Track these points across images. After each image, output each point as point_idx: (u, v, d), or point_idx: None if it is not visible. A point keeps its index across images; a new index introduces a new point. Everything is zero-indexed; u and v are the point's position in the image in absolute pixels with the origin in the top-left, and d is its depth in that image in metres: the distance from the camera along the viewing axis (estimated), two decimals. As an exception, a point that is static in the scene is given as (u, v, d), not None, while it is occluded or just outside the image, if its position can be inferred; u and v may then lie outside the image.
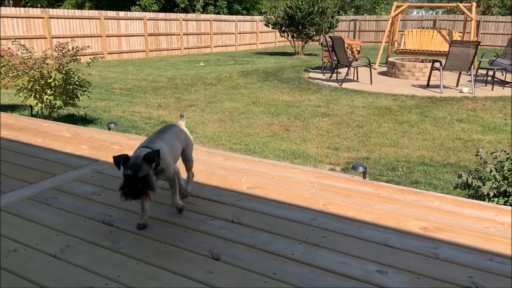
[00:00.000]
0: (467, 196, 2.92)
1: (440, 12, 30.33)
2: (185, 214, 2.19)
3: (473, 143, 5.51)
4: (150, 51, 18.10)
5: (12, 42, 5.30)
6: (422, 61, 11.54)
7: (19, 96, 5.09)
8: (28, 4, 19.40)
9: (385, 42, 13.94)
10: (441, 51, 12.29)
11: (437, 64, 9.40)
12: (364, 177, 3.24)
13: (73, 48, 5.14)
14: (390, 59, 12.16)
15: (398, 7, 13.98)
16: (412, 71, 10.85)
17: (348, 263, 1.72)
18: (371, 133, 5.99)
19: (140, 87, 9.77)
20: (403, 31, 14.51)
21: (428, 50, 12.86)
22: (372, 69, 10.50)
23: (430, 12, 34.14)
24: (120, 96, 8.57)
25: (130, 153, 3.16)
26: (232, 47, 22.92)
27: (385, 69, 12.36)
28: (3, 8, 13.44)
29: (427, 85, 9.59)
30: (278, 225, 2.05)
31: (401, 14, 15.06)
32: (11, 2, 17.56)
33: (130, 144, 3.39)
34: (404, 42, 13.44)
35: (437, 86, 9.21)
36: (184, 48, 19.88)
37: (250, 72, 12.24)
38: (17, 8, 14.04)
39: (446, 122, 6.59)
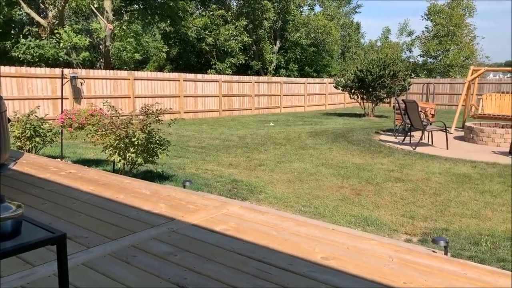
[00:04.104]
0: None
1: (520, 75, 28.96)
2: (259, 282, 2.15)
3: None
4: (223, 110, 18.92)
5: (104, 103, 5.83)
6: (502, 127, 10.93)
7: (105, 152, 5.49)
8: (116, 67, 21.36)
9: (462, 106, 13.46)
10: (524, 116, 11.61)
11: (521, 130, 8.86)
12: (446, 253, 3.03)
13: (156, 110, 5.53)
14: (467, 123, 11.66)
15: (475, 71, 13.60)
16: (491, 136, 10.28)
17: None
18: (450, 202, 5.64)
19: (213, 145, 10.13)
20: (480, 95, 13.99)
21: (509, 115, 12.20)
22: (448, 134, 10.11)
23: (508, 75, 32.75)
24: (194, 154, 8.93)
25: (204, 214, 3.24)
26: (301, 107, 23.34)
27: (461, 133, 11.85)
28: (96, 71, 14.89)
29: (510, 152, 9.00)
30: (355, 302, 1.96)
31: (478, 78, 14.60)
32: (102, 65, 19.46)
33: (204, 204, 3.47)
34: (482, 107, 12.90)
35: (522, 154, 8.61)
36: (255, 108, 20.56)
37: (319, 133, 12.28)
38: (107, 71, 15.49)
39: (534, 194, 6.06)
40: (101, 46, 19.39)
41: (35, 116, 6.76)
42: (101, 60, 19.96)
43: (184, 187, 4.75)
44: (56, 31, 17.08)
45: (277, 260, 2.42)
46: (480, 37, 51.38)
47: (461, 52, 36.09)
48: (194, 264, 2.35)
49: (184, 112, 17.19)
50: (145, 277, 2.21)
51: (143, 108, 5.55)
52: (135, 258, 2.44)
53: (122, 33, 18.97)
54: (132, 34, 20.30)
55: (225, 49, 26.09)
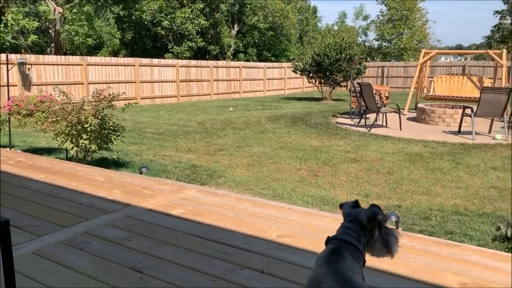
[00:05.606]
0: (506, 250, 2.79)
1: (469, 58, 30.26)
2: (214, 262, 2.17)
3: (509, 192, 5.31)
4: (181, 96, 18.65)
5: (54, 88, 5.60)
6: (452, 107, 11.41)
7: (57, 140, 5.30)
8: (68, 52, 20.52)
9: (414, 88, 13.92)
10: (471, 98, 12.16)
11: (468, 111, 9.27)
12: (397, 227, 3.16)
13: (109, 94, 5.37)
14: (420, 105, 12.09)
15: (426, 54, 14.06)
16: (442, 117, 10.72)
17: (383, 320, 1.65)
18: (402, 180, 5.87)
19: (171, 131, 10.00)
20: (432, 77, 14.50)
21: (458, 96, 12.74)
22: (401, 115, 10.44)
23: (459, 58, 34.13)
24: (151, 140, 8.78)
25: (160, 198, 3.21)
26: (260, 92, 23.36)
27: (414, 115, 12.27)
28: (46, 56, 14.25)
29: (459, 132, 9.42)
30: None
31: (430, 61, 15.13)
32: (52, 50, 18.61)
33: (161, 189, 3.44)
34: (434, 88, 13.39)
35: (469, 133, 9.03)
36: (214, 94, 20.40)
37: (278, 117, 12.37)
38: (58, 56, 14.86)
39: (479, 170, 6.40)
40: (50, 31, 18.51)
41: (-20, 103, 6.41)
42: (52, 45, 19.07)
43: (141, 173, 4.67)
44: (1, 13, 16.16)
45: (234, 240, 2.44)
46: (432, 21, 53.14)
47: (414, 36, 37.19)
48: (149, 248, 2.33)
49: (141, 98, 16.82)
50: (99, 263, 2.17)
51: (95, 93, 5.38)
52: (88, 244, 2.39)
53: (73, 17, 18.18)
54: (83, 17, 19.50)
55: (182, 32, 25.61)
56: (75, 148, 5.16)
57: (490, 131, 9.44)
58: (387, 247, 1.44)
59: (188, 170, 6.28)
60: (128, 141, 8.10)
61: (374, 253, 1.47)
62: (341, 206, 1.55)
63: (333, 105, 17.39)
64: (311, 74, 19.15)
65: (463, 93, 12.87)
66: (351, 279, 1.22)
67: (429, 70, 16.59)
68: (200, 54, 27.64)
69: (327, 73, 18.39)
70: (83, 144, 5.11)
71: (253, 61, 27.94)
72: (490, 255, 2.26)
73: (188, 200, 3.18)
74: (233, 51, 29.38)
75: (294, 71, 20.37)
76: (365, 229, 1.42)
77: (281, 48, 32.73)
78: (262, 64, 24.10)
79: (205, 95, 19.92)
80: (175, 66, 18.31)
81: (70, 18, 18.09)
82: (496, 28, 35.69)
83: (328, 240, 1.43)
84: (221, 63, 21.69)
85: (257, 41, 30.20)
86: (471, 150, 7.69)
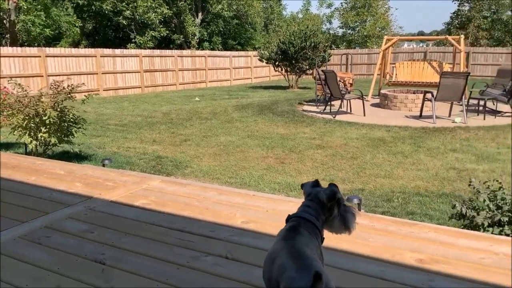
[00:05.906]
0: (462, 227, 2.91)
1: (430, 44, 31.06)
2: (178, 251, 2.16)
3: (467, 173, 5.53)
4: (145, 87, 18.31)
5: (8, 81, 5.38)
6: (414, 93, 11.72)
7: (14, 134, 5.11)
8: (26, 44, 19.72)
9: (377, 74, 14.20)
10: (432, 82, 12.53)
11: (429, 95, 9.55)
12: (359, 209, 3.24)
13: (68, 86, 5.21)
14: (383, 91, 12.35)
15: (388, 40, 14.34)
16: (404, 102, 11.00)
17: (343, 298, 1.70)
18: (366, 165, 6.00)
19: (135, 122, 9.82)
20: (395, 64, 14.83)
21: (419, 82, 13.10)
22: (365, 101, 10.64)
23: (421, 45, 34.98)
24: (115, 132, 8.60)
25: (123, 190, 3.16)
26: (227, 81, 23.23)
27: (377, 101, 12.53)
28: (1, 48, 13.64)
29: (420, 116, 9.70)
30: (272, 260, 2.03)
31: (392, 47, 15.46)
32: (8, 41, 17.84)
33: (124, 181, 3.38)
34: (396, 74, 13.70)
35: (430, 117, 9.32)
36: (180, 84, 20.13)
37: (245, 106, 12.36)
38: (14, 48, 14.26)
39: (439, 152, 6.62)
40: (5, 21, 17.70)
41: None
42: (7, 36, 18.27)
43: (104, 165, 4.58)
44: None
45: (198, 228, 2.44)
46: (394, 8, 54.23)
47: (377, 23, 37.81)
48: (112, 240, 2.30)
49: (104, 90, 16.41)
50: (60, 256, 2.13)
51: (53, 85, 5.20)
52: (48, 238, 2.33)
53: (29, 6, 17.44)
54: (40, 7, 18.73)
55: (145, 22, 25.07)
56: (34, 142, 4.99)
57: (450, 115, 9.78)
58: (345, 224, 1.48)
59: (153, 161, 6.20)
60: (90, 134, 7.92)
61: (333, 229, 1.51)
62: (302, 186, 1.58)
63: (300, 93, 17.53)
64: (277, 63, 19.18)
65: (424, 79, 13.24)
66: (305, 254, 1.26)
67: (391, 56, 16.94)
68: (164, 43, 27.16)
69: (293, 61, 18.47)
70: (43, 138, 4.95)
71: (219, 50, 27.70)
72: (446, 232, 2.35)
73: (151, 190, 3.14)
74: (197, 40, 29.02)
75: (260, 60, 20.34)
76: (324, 208, 1.46)
77: (247, 36, 32.59)
78: (228, 53, 23.94)
79: (170, 85, 19.64)
80: (138, 56, 17.94)
81: (25, 7, 17.34)
82: (455, 14, 36.78)
83: (289, 218, 1.46)
84: (186, 52, 21.41)
85: (222, 29, 29.94)
86: (432, 134, 7.95)
